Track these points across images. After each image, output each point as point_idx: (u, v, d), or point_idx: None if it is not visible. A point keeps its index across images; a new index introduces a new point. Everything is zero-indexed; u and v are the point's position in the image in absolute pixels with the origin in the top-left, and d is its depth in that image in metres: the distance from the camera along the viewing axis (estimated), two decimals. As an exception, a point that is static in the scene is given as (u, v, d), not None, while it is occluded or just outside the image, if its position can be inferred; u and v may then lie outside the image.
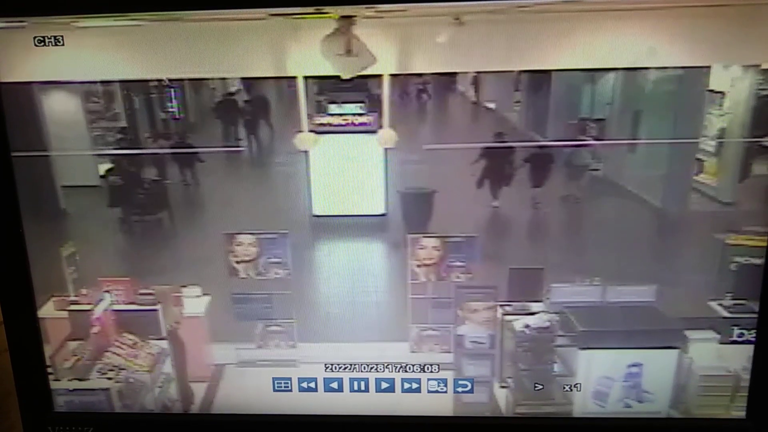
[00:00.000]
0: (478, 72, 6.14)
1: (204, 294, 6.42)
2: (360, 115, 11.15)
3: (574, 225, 7.79)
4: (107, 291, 5.94)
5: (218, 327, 6.79)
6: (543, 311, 6.10)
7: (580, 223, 7.71)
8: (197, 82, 7.65)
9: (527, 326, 5.90)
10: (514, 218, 10.74)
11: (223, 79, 7.81)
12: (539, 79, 7.46)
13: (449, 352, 6.12)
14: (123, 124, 12.16)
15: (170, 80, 7.57)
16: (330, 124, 11.15)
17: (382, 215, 11.23)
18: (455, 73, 6.63)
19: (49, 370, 4.18)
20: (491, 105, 10.15)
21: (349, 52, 4.21)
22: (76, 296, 6.06)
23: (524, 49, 4.42)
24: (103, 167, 11.04)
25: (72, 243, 7.77)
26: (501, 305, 6.17)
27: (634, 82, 5.95)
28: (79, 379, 4.66)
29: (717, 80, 4.05)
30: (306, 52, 4.73)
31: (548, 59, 4.41)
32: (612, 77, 6.84)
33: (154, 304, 6.00)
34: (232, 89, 8.50)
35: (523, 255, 8.39)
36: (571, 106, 7.50)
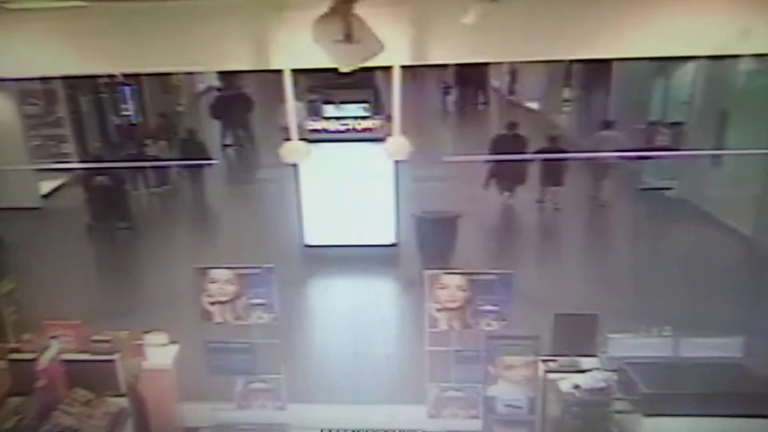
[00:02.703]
0: (517, 62, 5.94)
1: (171, 342, 6.23)
2: (364, 118, 10.85)
3: (640, 259, 7.49)
4: (54, 337, 5.82)
5: (189, 382, 6.49)
6: (597, 368, 5.87)
7: (648, 257, 7.39)
8: (158, 79, 7.42)
9: (577, 387, 5.64)
10: (561, 250, 10.35)
11: (190, 74, 7.55)
12: (596, 71, 7.23)
13: (477, 418, 5.92)
14: (67, 131, 12.02)
15: (125, 76, 7.38)
16: (325, 131, 10.89)
17: (392, 245, 10.86)
18: (487, 65, 6.46)
19: (-14, 431, 3.95)
20: (533, 105, 9.80)
21: (349, 37, 4.01)
22: (17, 343, 5.84)
23: (577, 32, 4.02)
24: (47, 185, 10.76)
25: (10, 278, 7.41)
26: (544, 360, 5.95)
27: (721, 75, 5.67)
28: (24, 443, 4.40)
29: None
30: (294, 38, 4.57)
31: (608, 45, 4.09)
32: (692, 69, 6.56)
33: (111, 354, 5.87)
34: (202, 87, 8.27)
35: (573, 297, 7.96)
36: (638, 107, 7.23)
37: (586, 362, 5.82)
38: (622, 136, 12.51)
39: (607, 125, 12.85)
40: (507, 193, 13.01)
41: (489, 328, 5.89)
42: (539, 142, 12.95)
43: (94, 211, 12.32)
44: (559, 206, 12.51)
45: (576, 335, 5.77)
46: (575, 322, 5.84)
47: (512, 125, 13.22)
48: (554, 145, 12.75)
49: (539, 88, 21.37)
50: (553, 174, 12.60)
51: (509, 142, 13.01)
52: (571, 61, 17.15)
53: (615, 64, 15.12)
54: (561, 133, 15.45)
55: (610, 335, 5.65)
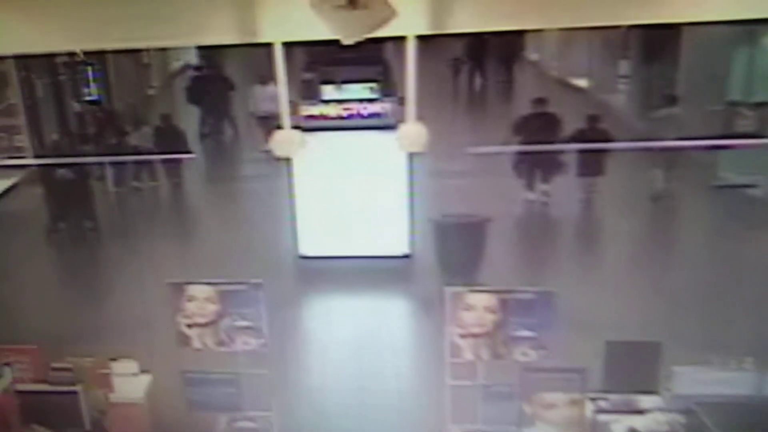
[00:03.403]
0: (562, 29, 5.90)
1: (142, 371, 6.21)
2: (370, 101, 10.89)
3: (714, 274, 7.42)
4: (7, 364, 5.85)
5: (164, 419, 6.50)
6: (659, 409, 5.80)
7: (724, 271, 7.32)
8: (125, 56, 7.42)
9: (633, 431, 5.59)
10: (614, 261, 10.35)
11: (163, 50, 7.60)
12: (661, 39, 7.13)
13: (510, 467, 5.85)
14: (21, 120, 12.16)
15: (86, 54, 7.40)
16: (324, 117, 10.94)
17: (405, 257, 10.87)
18: (522, 33, 6.42)
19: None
20: (581, 82, 9.75)
21: (353, 2, 4.01)
22: None
23: None
24: (-1, 185, 10.53)
25: None
26: (592, 398, 5.90)
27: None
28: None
29: None
30: (286, 5, 4.53)
31: (678, 7, 3.90)
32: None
33: (73, 384, 5.89)
34: (176, 65, 8.33)
35: (629, 320, 7.94)
36: (714, 84, 7.10)
37: (645, 401, 5.78)
38: (691, 118, 12.38)
39: (670, 101, 12.69)
40: (543, 186, 13.00)
41: (524, 359, 5.86)
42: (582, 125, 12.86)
43: (54, 210, 12.50)
44: (608, 204, 12.41)
45: (633, 368, 5.74)
46: (632, 352, 5.80)
47: (540, 101, 13.15)
48: (594, 126, 12.60)
49: (588, 62, 21.23)
50: (595, 163, 12.50)
51: (537, 122, 12.91)
52: (630, 27, 16.98)
53: (685, 31, 14.95)
54: (617, 115, 15.38)
55: (676, 368, 5.60)
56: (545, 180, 12.91)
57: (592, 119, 12.67)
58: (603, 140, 12.44)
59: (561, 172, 12.79)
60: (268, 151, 7.59)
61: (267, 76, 16.24)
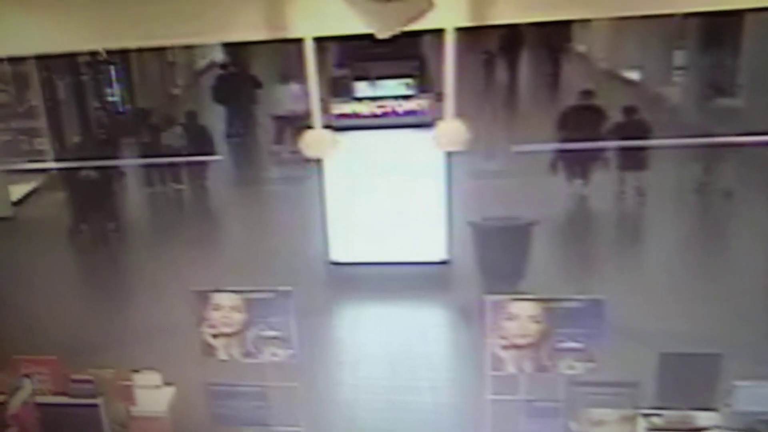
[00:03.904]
0: (612, 18, 5.88)
1: (165, 383, 6.29)
2: (406, 98, 10.90)
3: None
4: (27, 375, 5.96)
5: None
6: (719, 427, 5.73)
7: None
8: (150, 55, 7.52)
9: (691, 450, 5.51)
10: (668, 265, 10.21)
11: (189, 48, 7.69)
12: (721, 28, 7.06)
13: (556, 488, 5.80)
14: (42, 122, 12.34)
15: (109, 53, 7.50)
16: (357, 115, 10.99)
17: (443, 263, 10.88)
18: (569, 23, 6.41)
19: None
20: (633, 75, 9.69)
21: (388, -7, 4.03)
22: None
23: None
24: (18, 190, 11.02)
25: None
26: (645, 414, 5.84)
27: None
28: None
29: None
30: (316, -3, 4.53)
31: None
32: None
33: (94, 396, 5.98)
34: (203, 64, 8.43)
35: (685, 330, 7.84)
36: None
37: (703, 418, 5.72)
38: (752, 111, 12.15)
39: (729, 92, 12.46)
40: (579, 181, 13.00)
41: (571, 372, 5.84)
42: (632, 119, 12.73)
43: (76, 211, 12.86)
44: (660, 203, 12.31)
45: (690, 382, 5.68)
46: (688, 364, 5.74)
47: (586, 94, 13.20)
48: (633, 117, 12.59)
49: (640, 53, 21.10)
50: (647, 158, 12.42)
51: (583, 116, 12.89)
52: (686, 16, 16.71)
53: (749, 18, 14.73)
54: (672, 108, 15.20)
55: (737, 382, 5.53)
56: (585, 176, 12.87)
57: (634, 112, 12.60)
58: (651, 135, 12.42)
59: (608, 167, 12.74)
60: (295, 152, 7.61)
61: (288, 75, 16.33)
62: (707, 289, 9.27)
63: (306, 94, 6.72)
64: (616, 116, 12.75)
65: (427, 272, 10.27)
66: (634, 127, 12.48)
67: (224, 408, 6.22)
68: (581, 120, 12.74)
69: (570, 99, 13.52)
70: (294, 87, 15.79)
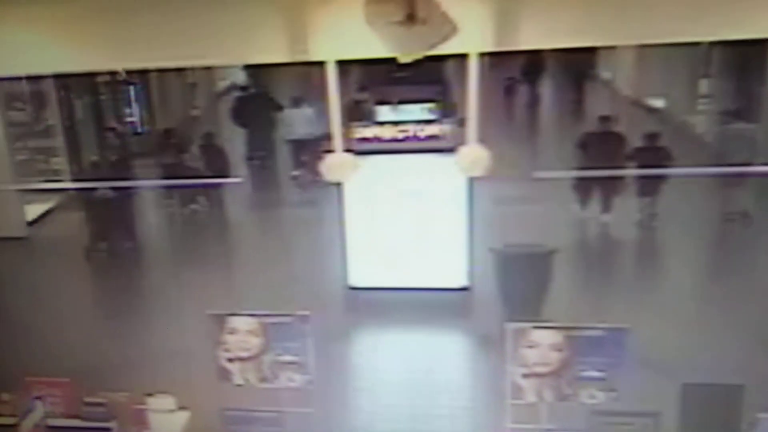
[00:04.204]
0: (639, 46, 5.93)
1: (180, 408, 6.33)
2: (428, 122, 10.91)
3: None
4: (39, 397, 6.00)
5: None
6: (743, 461, 5.67)
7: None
8: (169, 76, 7.65)
9: (714, 484, 5.46)
10: (691, 294, 10.14)
11: (210, 69, 7.81)
12: (747, 56, 7.12)
13: None
14: (59, 142, 12.48)
15: (128, 73, 7.64)
16: (379, 139, 11.03)
17: (463, 289, 10.86)
18: (594, 50, 6.47)
19: None
20: (657, 102, 9.74)
21: (411, 18, 4.10)
22: None
23: (721, 4, 3.85)
24: (33, 209, 11.12)
25: None
26: (668, 447, 5.79)
27: None
28: None
29: None
30: (340, 21, 4.66)
31: (764, 22, 3.87)
32: None
33: (107, 420, 6.01)
34: (223, 85, 8.56)
35: (708, 359, 7.80)
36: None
37: (726, 451, 5.67)
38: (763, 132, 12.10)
39: (752, 119, 12.42)
40: (601, 208, 13.00)
41: (593, 401, 5.83)
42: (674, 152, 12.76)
43: (93, 231, 13.05)
44: (683, 231, 12.24)
45: (713, 413, 5.66)
46: (711, 395, 5.72)
47: (605, 119, 13.28)
48: (655, 143, 12.63)
49: (665, 81, 21.05)
50: (668, 186, 12.42)
51: (601, 141, 12.95)
52: (712, 44, 16.85)
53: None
54: (697, 136, 15.16)
55: (761, 414, 5.50)
56: (607, 203, 12.91)
57: (656, 138, 12.68)
58: (674, 162, 12.46)
59: (630, 194, 12.78)
60: (315, 176, 7.59)
61: (300, 98, 16.57)
62: (730, 318, 9.23)
63: (323, 118, 6.73)
64: (637, 142, 12.76)
65: (447, 298, 10.26)
66: (655, 153, 12.52)
67: (240, 434, 6.31)
68: (602, 146, 12.78)
69: (593, 125, 13.57)
70: (309, 110, 15.93)
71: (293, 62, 5.62)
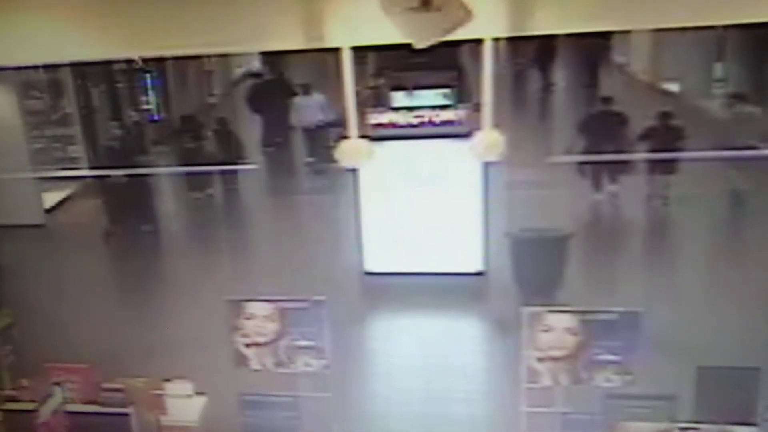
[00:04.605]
0: (653, 30, 5.91)
1: (197, 393, 6.41)
2: (443, 108, 10.92)
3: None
4: (58, 383, 6.08)
5: None
6: (758, 443, 5.67)
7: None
8: (186, 64, 7.69)
9: (730, 467, 5.47)
10: (707, 277, 10.12)
11: (226, 56, 7.83)
12: (762, 39, 7.08)
13: (592, 503, 5.79)
14: (76, 130, 12.57)
15: (145, 61, 7.68)
16: (394, 125, 11.04)
17: (479, 274, 10.87)
18: (608, 35, 6.45)
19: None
20: (672, 87, 9.70)
21: (426, 4, 4.10)
22: (13, 390, 6.14)
23: None
24: (51, 197, 11.20)
25: (7, 311, 7.72)
26: (682, 428, 5.81)
27: None
28: None
29: None
30: (355, 8, 4.66)
31: None
32: None
33: (125, 405, 6.07)
34: (239, 73, 8.58)
35: (724, 343, 7.80)
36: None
37: (742, 433, 5.69)
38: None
39: (756, 99, 12.33)
40: (615, 191, 13.04)
41: (608, 384, 5.83)
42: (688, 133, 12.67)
43: (110, 216, 13.26)
44: (699, 214, 12.22)
45: (728, 396, 5.65)
46: (727, 378, 5.71)
47: (607, 100, 13.38)
48: (668, 123, 12.60)
49: (680, 65, 20.93)
50: (684, 168, 12.40)
51: (604, 121, 12.95)
52: (727, 27, 16.72)
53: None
54: (711, 120, 15.14)
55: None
56: (620, 186, 12.97)
57: (669, 117, 12.65)
58: (688, 145, 12.40)
59: (644, 178, 12.82)
60: (330, 162, 7.58)
61: (309, 85, 16.62)
62: (746, 301, 9.18)
63: (337, 104, 6.73)
64: (650, 122, 12.68)
65: (463, 283, 10.26)
66: (670, 134, 12.47)
67: (256, 418, 6.27)
68: (610, 127, 12.77)
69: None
70: (314, 98, 16.05)
71: (309, 49, 5.63)
